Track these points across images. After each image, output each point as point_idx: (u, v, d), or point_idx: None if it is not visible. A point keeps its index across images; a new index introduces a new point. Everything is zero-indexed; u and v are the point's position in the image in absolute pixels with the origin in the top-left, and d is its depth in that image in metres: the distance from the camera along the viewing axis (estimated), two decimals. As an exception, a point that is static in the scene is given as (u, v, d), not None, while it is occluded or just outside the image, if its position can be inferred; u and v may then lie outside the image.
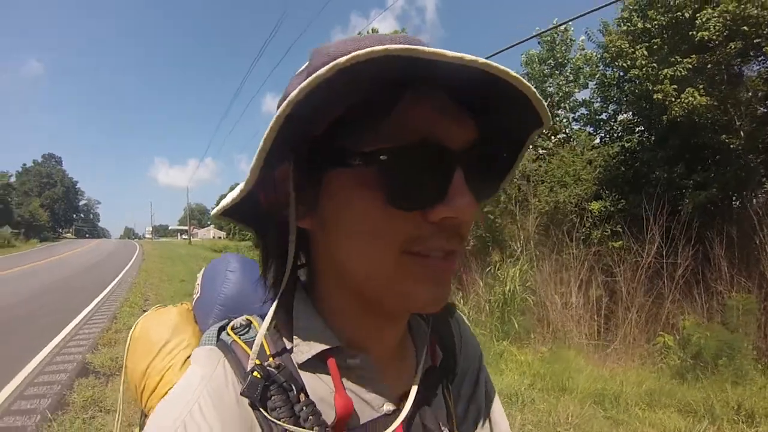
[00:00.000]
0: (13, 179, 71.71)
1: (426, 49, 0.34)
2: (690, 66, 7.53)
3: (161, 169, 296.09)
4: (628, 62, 8.72)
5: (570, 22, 11.89)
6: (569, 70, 13.03)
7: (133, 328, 0.83)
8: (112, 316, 8.30)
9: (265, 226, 0.52)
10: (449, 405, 0.59)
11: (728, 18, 6.83)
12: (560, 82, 12.81)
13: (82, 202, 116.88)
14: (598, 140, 11.43)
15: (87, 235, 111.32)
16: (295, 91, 0.35)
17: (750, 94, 7.48)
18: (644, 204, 7.07)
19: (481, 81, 0.37)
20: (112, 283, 13.65)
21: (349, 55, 0.33)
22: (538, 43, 13.56)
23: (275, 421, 0.42)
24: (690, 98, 7.31)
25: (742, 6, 6.70)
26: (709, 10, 7.07)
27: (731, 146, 7.61)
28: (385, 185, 0.40)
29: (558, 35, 13.25)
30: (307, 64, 0.45)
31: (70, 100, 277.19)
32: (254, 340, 0.48)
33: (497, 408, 0.66)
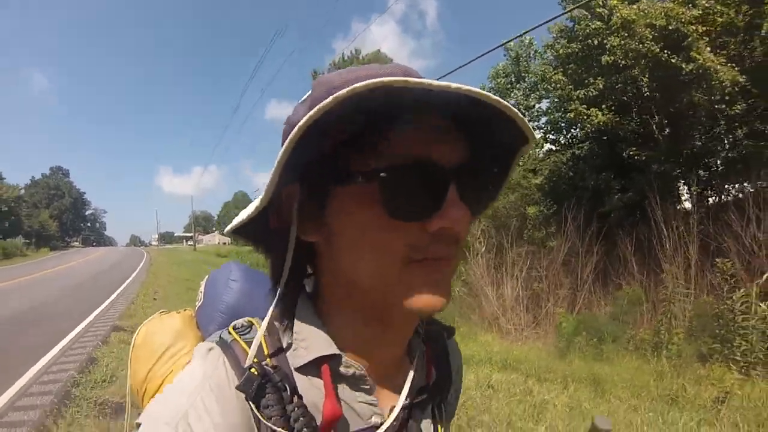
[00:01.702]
0: (22, 191, 73.66)
1: (415, 80, 0.37)
2: (600, 86, 8.75)
3: (166, 177, 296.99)
4: (551, 86, 10.05)
5: (531, 33, 12.43)
6: (527, 83, 14.29)
7: (136, 333, 0.85)
8: (129, 301, 10.95)
9: (273, 243, 0.53)
10: (438, 425, 0.60)
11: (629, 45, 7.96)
12: (519, 96, 14.09)
13: (88, 212, 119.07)
14: (549, 147, 12.55)
15: (94, 244, 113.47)
16: (303, 120, 0.38)
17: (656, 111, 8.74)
18: (565, 208, 8.37)
19: (471, 101, 0.40)
20: (127, 281, 16.77)
21: (348, 88, 0.37)
22: (504, 55, 14.82)
23: (262, 419, 0.44)
24: (594, 117, 8.62)
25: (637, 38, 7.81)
26: (615, 38, 8.13)
27: (644, 157, 8.75)
28: (386, 199, 0.43)
29: (522, 48, 14.40)
30: (309, 93, 0.49)
31: (75, 112, 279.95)
32: (254, 340, 0.50)
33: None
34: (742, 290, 5.56)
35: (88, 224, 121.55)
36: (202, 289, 0.88)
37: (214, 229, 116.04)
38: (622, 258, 8.02)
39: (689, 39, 7.30)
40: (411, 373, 0.57)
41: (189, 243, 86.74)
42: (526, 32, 10.52)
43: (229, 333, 0.53)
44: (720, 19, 7.37)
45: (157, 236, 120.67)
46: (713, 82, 7.14)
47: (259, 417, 0.44)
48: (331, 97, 0.37)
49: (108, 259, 33.92)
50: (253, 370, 0.46)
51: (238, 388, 0.45)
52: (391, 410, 0.53)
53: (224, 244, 68.97)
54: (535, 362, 6.09)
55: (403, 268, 0.45)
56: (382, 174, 0.43)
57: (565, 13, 8.64)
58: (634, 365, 5.89)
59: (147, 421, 0.44)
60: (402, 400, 0.54)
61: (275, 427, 0.44)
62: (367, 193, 0.44)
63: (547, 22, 8.35)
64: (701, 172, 9.08)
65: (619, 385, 5.07)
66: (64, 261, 32.09)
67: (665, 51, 7.53)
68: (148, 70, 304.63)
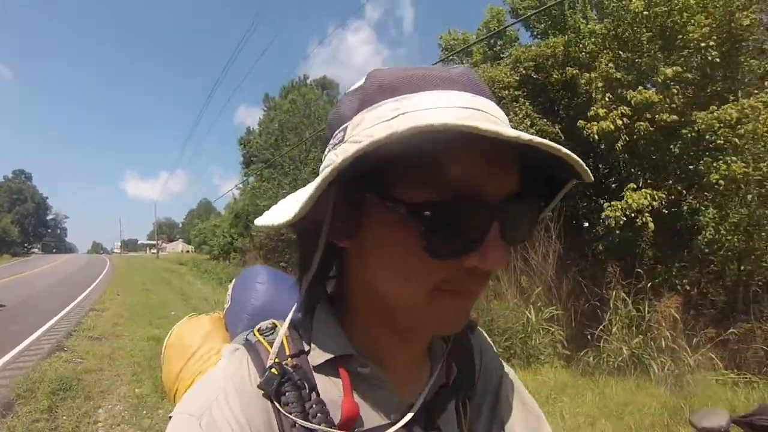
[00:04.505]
0: (-18, 196, 74.08)
1: (486, 126, 0.35)
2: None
3: (131, 181, 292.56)
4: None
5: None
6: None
7: (168, 335, 0.89)
8: (95, 300, 13.44)
9: (302, 240, 0.53)
10: (462, 422, 0.59)
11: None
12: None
13: (49, 217, 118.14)
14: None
15: (54, 251, 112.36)
16: (365, 143, 0.37)
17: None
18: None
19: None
20: (94, 284, 19.42)
21: (408, 127, 0.35)
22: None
23: (287, 414, 0.46)
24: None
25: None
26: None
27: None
28: (426, 236, 0.41)
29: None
30: (360, 84, 0.46)
31: (39, 114, 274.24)
32: (275, 341, 0.52)
33: (530, 424, 0.64)
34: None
35: (49, 230, 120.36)
36: (230, 291, 0.90)
37: (178, 236, 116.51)
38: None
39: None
40: (432, 373, 0.57)
41: (152, 251, 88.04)
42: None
43: (254, 335, 0.55)
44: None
45: (119, 243, 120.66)
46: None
47: (280, 409, 0.46)
48: (388, 133, 0.36)
49: (72, 264, 36.47)
50: (273, 369, 0.47)
51: (259, 386, 0.46)
52: (410, 409, 0.52)
53: (187, 251, 71.14)
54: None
55: (430, 295, 0.44)
56: (426, 213, 0.40)
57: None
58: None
59: (176, 413, 0.47)
60: (421, 399, 0.54)
61: (297, 419, 0.45)
62: (405, 222, 0.41)
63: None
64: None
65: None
66: (25, 268, 34.41)
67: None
68: (115, 70, 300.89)
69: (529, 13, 9.10)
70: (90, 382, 5.31)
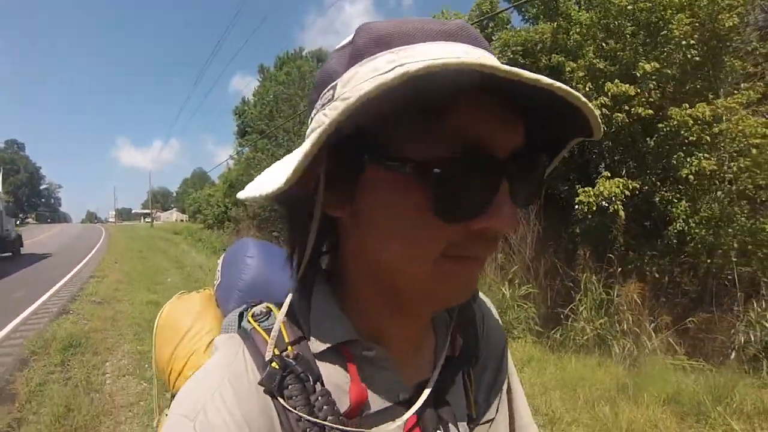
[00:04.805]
0: (-25, 165, 73.71)
1: (506, 68, 0.32)
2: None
3: (124, 149, 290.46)
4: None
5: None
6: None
7: (158, 315, 0.87)
8: (95, 268, 14.01)
9: (292, 213, 0.50)
10: (469, 393, 0.57)
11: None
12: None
13: (43, 187, 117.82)
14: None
15: (48, 220, 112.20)
16: (353, 99, 0.33)
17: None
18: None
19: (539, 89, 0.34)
20: (94, 249, 20.83)
21: (423, 65, 0.31)
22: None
23: (291, 409, 0.43)
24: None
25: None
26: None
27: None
28: (433, 196, 0.38)
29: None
30: (350, 40, 0.43)
31: (31, 83, 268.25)
32: (273, 328, 0.49)
33: (519, 396, 0.65)
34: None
35: (43, 200, 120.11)
36: (219, 267, 0.87)
37: (172, 205, 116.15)
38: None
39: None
40: (438, 348, 0.56)
41: (146, 220, 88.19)
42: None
43: (249, 321, 0.52)
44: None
45: (114, 213, 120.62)
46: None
47: (285, 405, 0.43)
48: (399, 72, 0.32)
49: (69, 233, 36.71)
50: (274, 364, 0.45)
51: (260, 383, 0.44)
52: (418, 386, 0.51)
53: (181, 221, 71.25)
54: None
55: (436, 264, 0.41)
56: (435, 170, 0.37)
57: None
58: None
59: (170, 414, 0.44)
60: (435, 376, 0.52)
61: (302, 414, 0.43)
62: (407, 182, 0.39)
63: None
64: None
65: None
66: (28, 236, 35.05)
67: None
68: (107, 36, 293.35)
69: (523, 2, 9.19)
70: (97, 340, 5.84)
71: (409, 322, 0.52)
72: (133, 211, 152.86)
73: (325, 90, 0.43)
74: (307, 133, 0.45)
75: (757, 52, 6.79)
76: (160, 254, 18.63)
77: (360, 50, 0.41)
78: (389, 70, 0.37)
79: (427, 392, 0.50)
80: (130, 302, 8.29)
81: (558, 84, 0.34)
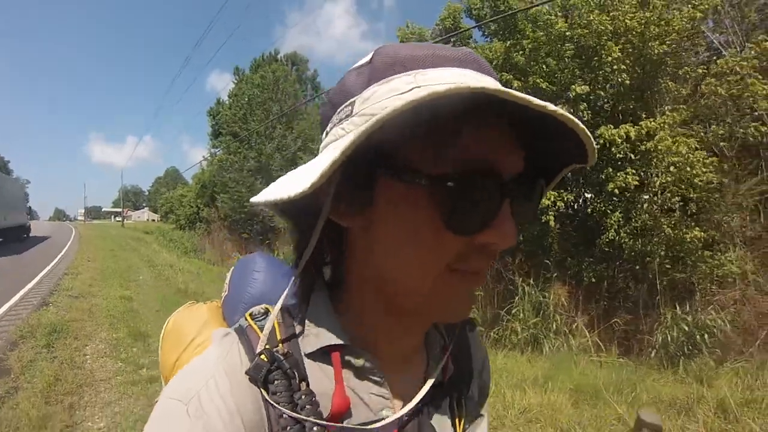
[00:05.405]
0: (-63, 158, 71.03)
1: (518, 94, 0.35)
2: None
3: (96, 146, 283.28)
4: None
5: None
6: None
7: (166, 323, 0.87)
8: (68, 265, 14.15)
9: (300, 221, 0.51)
10: (456, 422, 0.57)
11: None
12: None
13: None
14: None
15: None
16: (385, 112, 0.35)
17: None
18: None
19: (541, 114, 0.37)
20: (65, 248, 20.67)
21: (449, 87, 0.34)
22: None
23: (274, 404, 0.44)
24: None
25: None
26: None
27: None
28: (444, 209, 0.41)
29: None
30: (367, 60, 0.45)
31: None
32: (266, 325, 0.50)
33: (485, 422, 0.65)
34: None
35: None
36: (227, 280, 0.88)
37: (144, 204, 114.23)
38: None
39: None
40: (429, 369, 0.56)
41: (117, 219, 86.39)
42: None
43: (246, 319, 0.53)
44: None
45: (83, 211, 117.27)
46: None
47: (268, 399, 0.44)
48: (428, 91, 0.34)
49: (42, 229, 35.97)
50: (263, 356, 0.46)
51: (247, 373, 0.45)
52: (402, 404, 0.51)
53: (153, 220, 70.14)
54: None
55: (442, 275, 0.43)
56: (449, 183, 0.40)
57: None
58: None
59: (163, 398, 0.45)
60: (420, 395, 0.52)
61: (284, 410, 0.43)
62: (420, 196, 0.41)
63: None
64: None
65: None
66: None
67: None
68: (80, 30, 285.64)
69: (485, 21, 9.61)
70: (76, 328, 6.55)
71: (404, 335, 0.53)
72: (103, 210, 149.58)
73: (343, 106, 0.46)
74: (323, 145, 0.48)
75: (688, 76, 7.36)
76: (132, 253, 18.89)
77: (378, 71, 0.43)
78: (407, 91, 0.40)
79: (407, 408, 0.50)
80: (104, 297, 8.78)
81: (561, 111, 0.38)
